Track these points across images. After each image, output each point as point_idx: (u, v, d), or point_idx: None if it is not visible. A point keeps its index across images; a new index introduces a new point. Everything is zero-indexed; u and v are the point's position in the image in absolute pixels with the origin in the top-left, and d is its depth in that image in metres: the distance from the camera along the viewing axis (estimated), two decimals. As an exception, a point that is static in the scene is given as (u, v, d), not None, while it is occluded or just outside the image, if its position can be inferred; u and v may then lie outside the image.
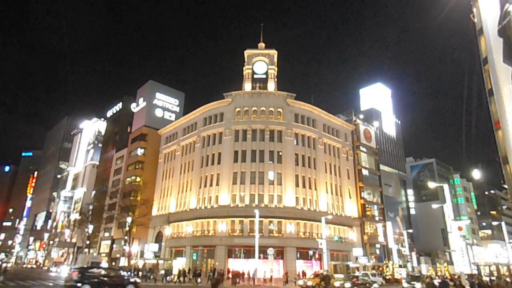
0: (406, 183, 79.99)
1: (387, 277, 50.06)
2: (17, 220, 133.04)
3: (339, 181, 57.61)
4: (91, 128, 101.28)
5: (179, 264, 48.30)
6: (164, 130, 67.41)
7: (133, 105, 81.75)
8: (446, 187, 47.39)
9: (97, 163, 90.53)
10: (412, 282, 36.02)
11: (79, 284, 22.04)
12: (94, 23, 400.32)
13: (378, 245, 60.91)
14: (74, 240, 78.84)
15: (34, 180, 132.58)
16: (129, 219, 53.37)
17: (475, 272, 59.04)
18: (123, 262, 57.96)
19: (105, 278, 24.06)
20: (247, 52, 60.54)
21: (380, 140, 75.71)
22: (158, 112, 77.51)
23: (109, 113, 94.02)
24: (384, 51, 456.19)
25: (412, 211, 76.83)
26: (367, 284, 35.76)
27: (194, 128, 59.16)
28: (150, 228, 59.04)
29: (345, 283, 32.80)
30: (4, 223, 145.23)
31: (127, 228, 53.48)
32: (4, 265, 32.27)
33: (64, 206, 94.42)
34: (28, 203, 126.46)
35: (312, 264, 48.43)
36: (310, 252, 48.69)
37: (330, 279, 33.33)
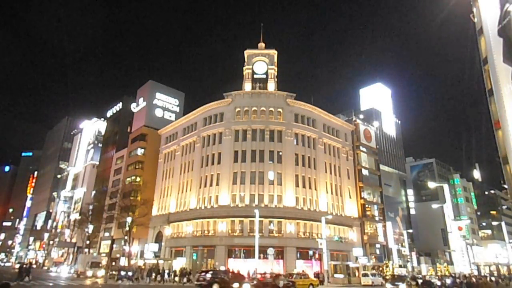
0: (406, 183, 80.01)
1: (387, 277, 50.03)
2: (17, 220, 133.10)
3: (339, 181, 57.61)
4: (91, 128, 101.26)
5: (179, 264, 48.35)
6: (164, 130, 67.42)
7: (133, 105, 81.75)
8: (446, 187, 47.58)
9: (97, 163, 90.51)
10: (396, 283, 34.77)
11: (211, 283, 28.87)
12: (94, 23, 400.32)
13: (378, 245, 60.88)
14: (74, 240, 78.85)
15: (34, 180, 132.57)
16: (129, 219, 53.35)
17: (475, 272, 59.13)
18: (123, 262, 57.96)
19: (226, 278, 30.33)
20: (247, 52, 60.54)
21: (380, 140, 75.76)
22: (158, 112, 77.52)
23: (109, 113, 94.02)
24: (384, 51, 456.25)
25: (412, 211, 76.85)
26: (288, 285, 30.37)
27: (194, 128, 59.16)
28: (150, 228, 59.03)
29: (243, 284, 29.41)
30: (4, 223, 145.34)
31: (127, 228, 53.46)
32: (26, 266, 32.52)
33: (64, 206, 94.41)
34: (28, 203, 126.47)
35: (312, 264, 48.41)
36: (310, 252, 48.66)
37: (244, 278, 33.00)
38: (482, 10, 26.04)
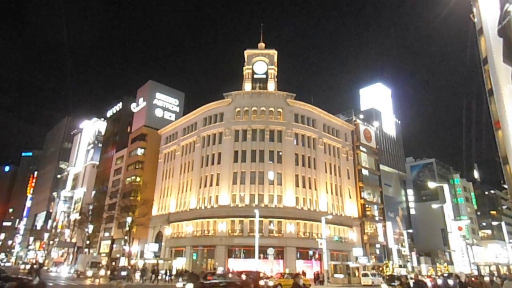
0: (406, 183, 79.98)
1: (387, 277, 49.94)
2: (17, 220, 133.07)
3: (339, 181, 57.60)
4: (91, 128, 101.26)
5: (179, 264, 48.35)
6: (164, 130, 67.41)
7: (133, 105, 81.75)
8: (446, 187, 47.53)
9: (97, 163, 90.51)
10: (393, 284, 33.84)
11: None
12: (94, 23, 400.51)
13: (378, 245, 60.88)
14: (74, 240, 78.81)
15: (34, 180, 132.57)
16: (129, 219, 53.35)
17: (475, 272, 58.99)
18: (123, 262, 57.97)
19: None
20: (247, 52, 60.53)
21: (380, 140, 75.71)
22: (158, 112, 77.51)
23: (109, 113, 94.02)
24: (384, 51, 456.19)
25: (412, 211, 76.82)
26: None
27: (194, 128, 59.16)
28: (150, 228, 59.02)
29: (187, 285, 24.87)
30: (4, 223, 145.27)
31: (127, 228, 53.47)
32: (35, 266, 32.45)
33: (64, 206, 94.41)
34: (28, 203, 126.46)
35: (312, 264, 48.43)
36: (310, 252, 48.67)
37: (198, 278, 28.54)
38: (482, 10, 25.99)
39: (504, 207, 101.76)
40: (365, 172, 63.62)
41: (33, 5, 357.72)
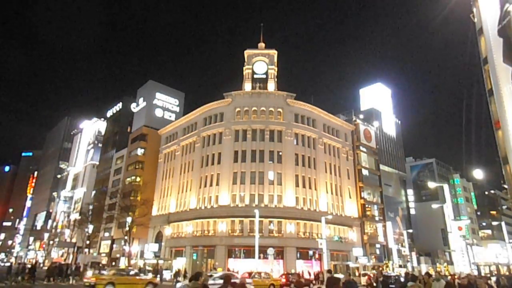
0: (406, 183, 79.95)
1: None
2: (17, 220, 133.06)
3: (339, 181, 57.60)
4: (91, 128, 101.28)
5: (179, 264, 48.34)
6: (164, 130, 67.41)
7: (133, 105, 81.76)
8: (446, 187, 47.52)
9: (97, 163, 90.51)
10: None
11: None
12: (94, 23, 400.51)
13: (378, 245, 60.90)
14: (74, 240, 78.73)
15: (34, 180, 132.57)
16: (129, 219, 53.32)
17: (475, 272, 58.88)
18: (123, 262, 57.94)
19: None
20: (247, 52, 60.53)
21: (380, 140, 75.67)
22: (158, 112, 77.53)
23: (109, 113, 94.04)
24: (384, 51, 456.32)
25: (412, 211, 76.79)
26: None
27: (194, 128, 59.16)
28: (150, 228, 59.03)
29: None
30: (4, 223, 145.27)
31: (127, 228, 53.44)
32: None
33: (64, 206, 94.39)
34: (28, 203, 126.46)
35: (312, 264, 48.45)
36: (310, 252, 48.67)
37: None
38: (482, 10, 25.98)
39: (504, 207, 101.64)
40: (365, 172, 63.61)
41: (33, 5, 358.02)
